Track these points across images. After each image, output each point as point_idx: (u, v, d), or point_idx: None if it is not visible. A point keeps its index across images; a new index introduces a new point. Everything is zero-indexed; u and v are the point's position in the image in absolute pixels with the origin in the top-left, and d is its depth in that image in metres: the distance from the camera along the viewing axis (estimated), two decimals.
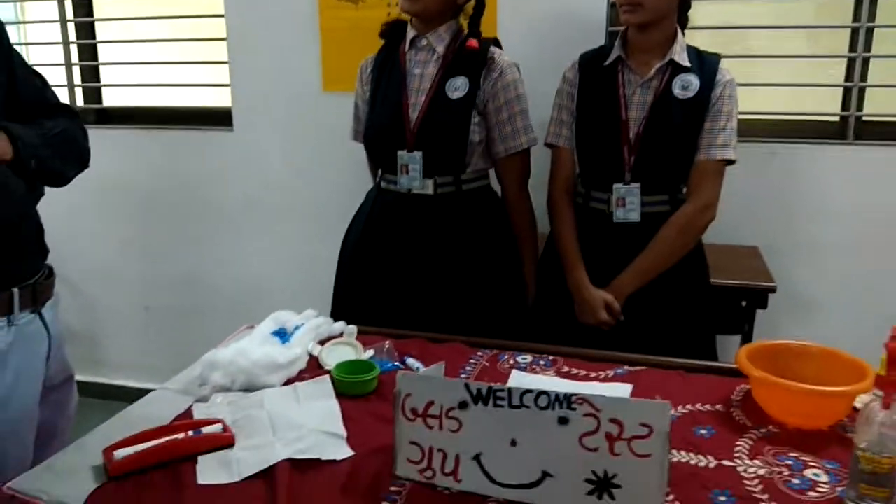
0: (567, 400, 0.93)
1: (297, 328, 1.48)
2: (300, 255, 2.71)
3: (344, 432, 1.12)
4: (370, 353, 1.41)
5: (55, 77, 2.96)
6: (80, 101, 2.88)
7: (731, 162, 1.65)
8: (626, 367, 1.39)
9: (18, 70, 1.25)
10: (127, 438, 1.07)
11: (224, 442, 1.08)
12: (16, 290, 1.23)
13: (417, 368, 1.34)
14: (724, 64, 1.66)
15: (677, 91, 1.62)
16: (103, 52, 2.87)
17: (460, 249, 1.74)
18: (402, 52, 1.78)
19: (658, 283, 1.66)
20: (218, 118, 2.70)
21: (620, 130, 1.65)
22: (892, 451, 0.94)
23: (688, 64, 1.63)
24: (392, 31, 1.83)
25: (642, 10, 1.57)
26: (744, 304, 2.01)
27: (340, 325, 1.53)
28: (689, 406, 1.25)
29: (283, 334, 1.47)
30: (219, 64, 2.64)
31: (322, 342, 1.46)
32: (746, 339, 2.02)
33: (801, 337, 1.36)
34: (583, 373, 1.38)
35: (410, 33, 1.77)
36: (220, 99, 2.71)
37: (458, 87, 1.70)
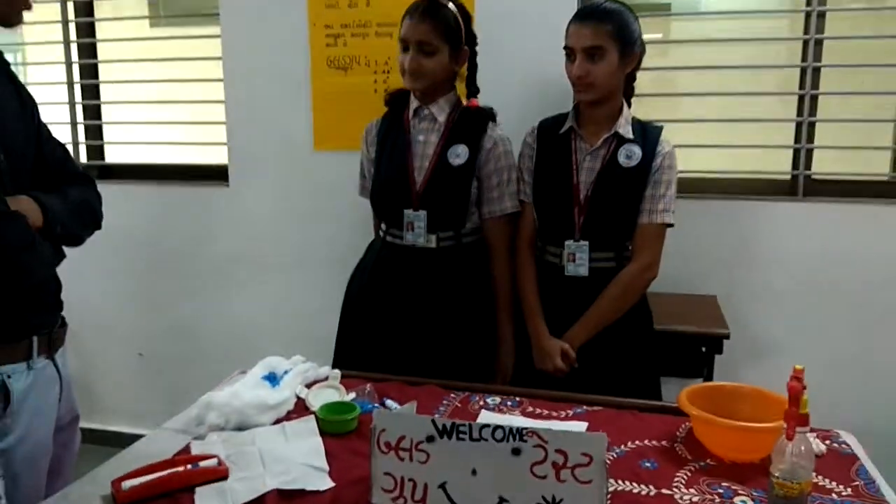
0: (519, 433, 1.07)
1: (286, 372, 1.62)
2: (290, 305, 2.83)
3: (326, 466, 1.26)
4: (352, 395, 1.55)
5: (61, 134, 3.15)
6: (83, 158, 3.05)
7: (670, 225, 1.84)
8: (584, 407, 1.54)
9: (46, 144, 1.41)
10: (133, 471, 1.20)
11: (219, 474, 1.21)
12: (35, 339, 1.36)
13: (394, 408, 1.48)
14: (666, 135, 1.85)
15: (622, 160, 1.81)
16: (107, 112, 3.06)
17: (459, 297, 1.91)
18: (407, 119, 1.95)
19: (607, 331, 1.82)
20: (215, 174, 2.87)
21: (572, 193, 1.83)
22: (801, 477, 1.09)
23: (631, 136, 1.81)
24: (396, 100, 2.00)
25: (593, 90, 1.77)
26: (703, 349, 2.16)
27: (326, 369, 1.67)
28: (637, 441, 1.39)
29: (272, 378, 1.61)
30: (217, 124, 2.82)
31: (309, 385, 1.60)
32: (707, 381, 2.17)
33: (756, 378, 1.51)
34: (545, 412, 1.52)
35: (413, 103, 1.94)
36: (217, 157, 2.89)
37: (459, 155, 1.88)
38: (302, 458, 1.27)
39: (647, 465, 1.31)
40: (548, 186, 1.88)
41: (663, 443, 1.39)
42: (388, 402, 1.53)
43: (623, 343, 1.84)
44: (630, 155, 1.80)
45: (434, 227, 1.89)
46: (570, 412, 1.52)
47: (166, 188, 2.92)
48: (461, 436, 1.09)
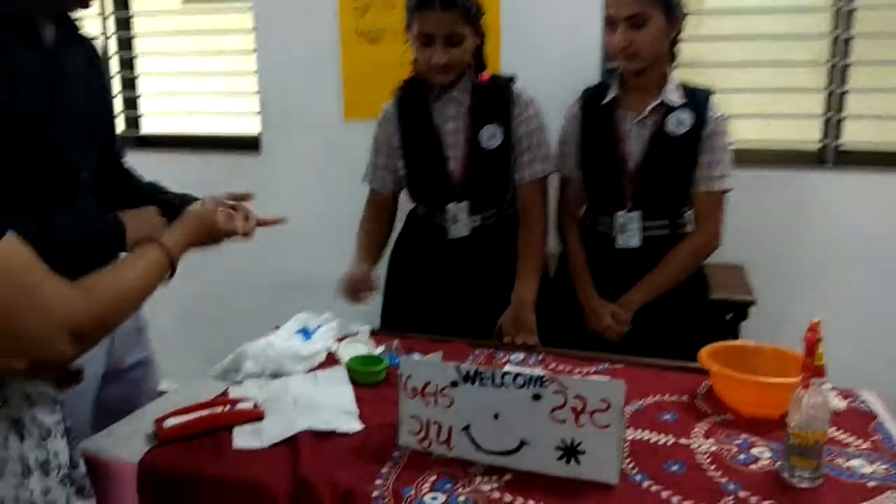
0: (539, 380, 1.12)
1: (318, 328, 1.68)
2: (319, 272, 2.87)
3: (356, 410, 1.32)
4: (381, 349, 1.61)
5: None
6: (120, 127, 3.14)
7: (729, 190, 1.82)
8: (606, 364, 1.58)
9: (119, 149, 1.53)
10: (175, 411, 1.27)
11: (255, 416, 1.28)
12: None
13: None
14: (715, 98, 1.79)
15: (671, 128, 1.77)
16: (142, 84, 3.14)
17: (501, 265, 1.86)
18: (427, 107, 1.85)
19: (663, 298, 1.82)
20: (247, 144, 2.94)
21: (620, 164, 1.80)
22: (816, 427, 1.12)
23: (679, 103, 1.76)
24: (409, 89, 1.90)
25: (638, 59, 1.72)
26: (729, 316, 2.18)
27: (356, 325, 1.73)
28: (657, 396, 1.43)
29: (305, 332, 1.67)
30: (249, 95, 2.89)
31: (339, 340, 1.66)
32: None
33: (779, 345, 1.52)
34: (568, 368, 1.56)
35: (435, 90, 1.83)
36: (249, 128, 2.95)
37: (492, 136, 1.80)
38: (333, 402, 1.33)
39: (667, 417, 1.35)
40: (595, 158, 1.86)
41: (683, 398, 1.43)
42: (415, 355, 1.58)
43: (679, 310, 1.83)
44: (680, 122, 1.77)
45: (477, 210, 1.86)
46: (592, 369, 1.56)
47: (199, 157, 3.00)
48: (483, 381, 1.14)
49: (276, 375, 1.46)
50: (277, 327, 1.75)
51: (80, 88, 1.29)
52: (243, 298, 3.07)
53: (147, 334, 1.62)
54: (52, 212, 1.22)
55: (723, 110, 1.81)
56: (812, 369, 1.10)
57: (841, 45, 2.32)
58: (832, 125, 2.37)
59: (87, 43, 1.37)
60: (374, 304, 2.12)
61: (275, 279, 3.00)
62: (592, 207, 1.91)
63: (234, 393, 1.38)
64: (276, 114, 2.85)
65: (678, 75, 1.85)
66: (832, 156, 2.38)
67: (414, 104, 1.88)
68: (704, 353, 1.43)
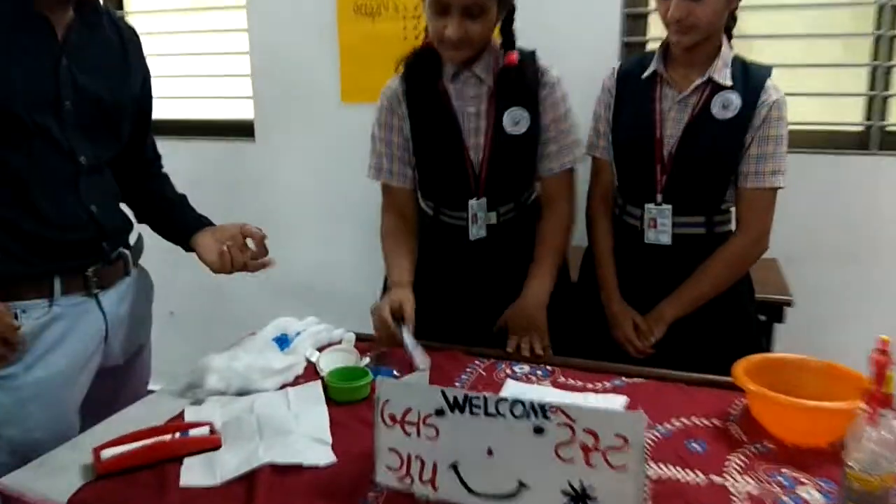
0: (542, 409, 0.92)
1: (297, 334, 1.50)
2: (320, 263, 2.75)
3: (329, 438, 1.13)
4: (366, 360, 1.42)
5: None
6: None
7: (780, 188, 1.57)
8: (623, 379, 1.37)
9: (145, 125, 1.52)
10: (116, 439, 1.09)
11: (210, 444, 1.10)
12: (57, 279, 1.30)
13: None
14: (774, 79, 1.55)
15: (716, 110, 1.54)
16: None
17: (520, 265, 1.62)
18: (443, 87, 1.57)
19: (703, 307, 1.61)
20: (241, 130, 2.76)
21: (654, 148, 1.58)
22: (883, 469, 0.91)
23: (729, 82, 1.53)
24: (421, 62, 1.59)
25: (695, 32, 1.50)
26: (762, 318, 1.96)
27: (340, 331, 1.54)
28: (683, 419, 1.22)
29: (283, 340, 1.49)
30: (241, 77, 2.70)
31: (321, 349, 1.47)
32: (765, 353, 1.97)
33: (821, 352, 1.31)
34: (579, 384, 1.36)
35: (450, 67, 1.56)
36: (242, 111, 2.77)
37: (517, 121, 1.55)
38: (303, 428, 1.14)
39: (695, 446, 1.14)
40: (626, 140, 1.64)
41: (714, 421, 1.22)
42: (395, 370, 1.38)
43: (720, 321, 1.62)
44: (727, 104, 1.54)
45: (494, 206, 1.61)
46: (608, 384, 1.35)
47: (192, 144, 2.82)
48: (475, 410, 0.95)
49: (242, 392, 1.28)
50: (254, 333, 1.56)
51: (90, 74, 1.29)
52: (237, 294, 2.90)
53: (149, 319, 1.59)
54: (39, 194, 1.25)
55: (781, 94, 1.55)
56: (880, 398, 0.89)
57: (888, 14, 2.07)
58: (877, 104, 2.13)
59: (113, 27, 1.37)
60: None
61: (270, 273, 2.82)
62: (622, 196, 1.69)
63: (190, 415, 1.20)
64: (269, 97, 2.68)
65: (732, 50, 1.60)
66: (877, 138, 2.14)
67: (426, 82, 1.58)
68: (740, 368, 1.22)
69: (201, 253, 1.48)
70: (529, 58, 1.58)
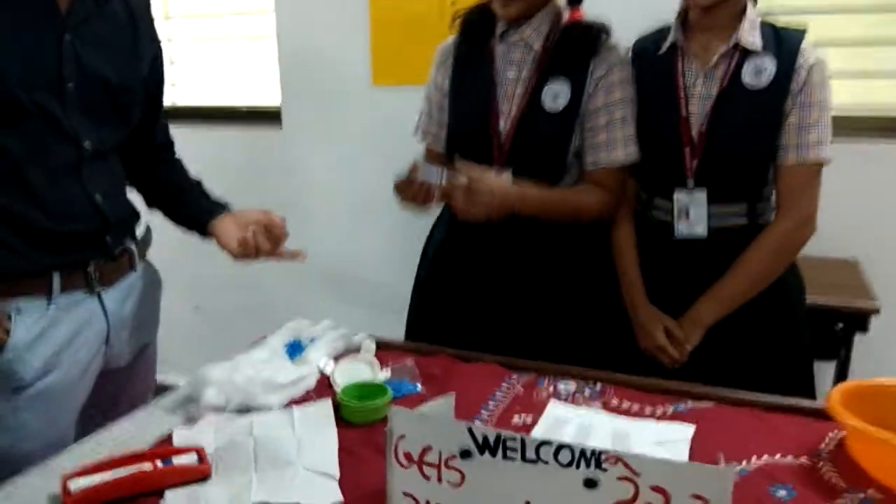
0: (596, 458, 0.72)
1: (311, 341, 1.33)
2: (349, 257, 2.60)
3: (336, 471, 0.95)
4: (387, 373, 1.24)
5: None
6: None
7: (825, 162, 1.37)
8: (689, 403, 1.16)
9: (157, 106, 1.38)
10: (89, 467, 0.93)
11: (197, 475, 0.93)
12: (56, 275, 1.19)
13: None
14: (810, 41, 1.36)
15: (748, 79, 1.34)
16: None
17: (556, 267, 1.48)
18: (492, 46, 1.47)
19: (745, 306, 1.39)
20: (267, 117, 2.62)
21: (680, 129, 1.39)
22: None
23: (759, 46, 1.35)
24: (477, 20, 1.49)
25: None
26: (839, 326, 1.72)
27: (361, 337, 1.37)
28: (765, 457, 1.01)
29: (296, 347, 1.32)
30: (270, 61, 2.55)
31: (337, 358, 1.30)
32: (843, 367, 1.73)
33: None
34: (635, 407, 1.15)
35: (501, 25, 1.46)
36: (268, 98, 2.62)
37: (557, 95, 1.41)
38: (307, 458, 0.97)
39: (782, 493, 0.93)
40: (649, 123, 1.44)
41: (802, 460, 1.00)
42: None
43: (766, 322, 1.40)
44: (759, 70, 1.34)
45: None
46: (670, 409, 1.14)
47: (216, 131, 2.69)
48: (510, 454, 0.75)
49: (243, 409, 1.11)
50: (264, 337, 1.40)
51: (96, 51, 1.17)
52: (263, 287, 2.77)
53: (156, 317, 1.48)
54: (38, 181, 1.14)
55: (818, 56, 1.34)
56: None
57: None
58: None
59: (122, 5, 1.25)
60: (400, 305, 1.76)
61: (298, 266, 2.68)
62: (646, 187, 1.49)
63: (178, 438, 1.03)
64: (297, 81, 2.53)
65: (757, 13, 1.40)
66: None
67: (476, 41, 1.49)
68: (835, 396, 1.00)
69: (221, 239, 1.34)
70: (597, 29, 1.42)
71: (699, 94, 1.39)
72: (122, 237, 1.32)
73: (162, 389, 1.29)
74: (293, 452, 0.97)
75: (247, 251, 1.31)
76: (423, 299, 1.65)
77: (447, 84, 1.53)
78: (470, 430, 0.77)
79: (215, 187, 2.83)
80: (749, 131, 1.36)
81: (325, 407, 1.09)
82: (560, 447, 0.73)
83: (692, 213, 1.40)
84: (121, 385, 1.37)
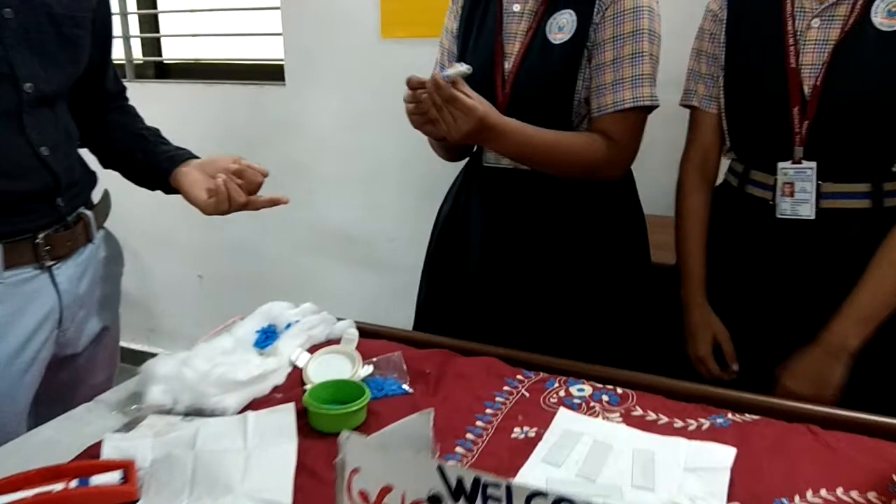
0: None
1: (288, 326, 1.15)
2: (355, 224, 2.42)
3: (288, 499, 0.77)
4: (368, 368, 1.05)
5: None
6: (136, 53, 2.68)
7: None
8: (729, 416, 0.95)
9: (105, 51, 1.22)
10: None
11: (119, 499, 0.76)
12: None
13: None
14: None
15: (880, 18, 1.07)
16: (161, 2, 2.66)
17: (574, 239, 1.28)
18: None
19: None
20: (270, 73, 2.43)
21: (787, 84, 1.14)
22: None
23: None
24: None
25: None
26: None
27: (344, 324, 1.18)
28: (823, 492, 0.80)
29: (269, 334, 1.14)
30: (271, 10, 2.34)
31: (313, 349, 1.12)
32: None
33: None
34: (663, 419, 0.95)
35: None
36: (271, 50, 2.42)
37: (562, 27, 1.23)
38: (252, 481, 0.79)
39: None
40: (747, 78, 1.20)
41: (870, 497, 0.80)
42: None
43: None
44: (894, 10, 1.08)
45: None
46: (706, 422, 0.94)
47: (215, 88, 2.51)
48: (492, 503, 0.56)
49: (192, 412, 0.94)
50: (242, 317, 1.23)
51: None
52: (268, 254, 2.62)
53: (117, 296, 1.31)
54: None
55: None
56: None
57: None
58: None
59: None
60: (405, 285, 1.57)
61: (304, 229, 2.52)
62: (743, 157, 1.24)
63: (109, 447, 0.86)
64: (300, 34, 2.32)
65: None
66: None
67: None
68: None
69: (188, 190, 1.16)
70: None
71: (814, 39, 1.13)
72: (76, 202, 1.16)
73: None
74: (237, 475, 0.79)
75: (219, 202, 1.11)
76: (431, 278, 1.47)
77: (456, 27, 1.38)
78: (441, 470, 0.58)
79: (214, 148, 2.65)
80: (879, 87, 1.08)
81: (287, 414, 0.91)
82: (559, 502, 0.54)
83: (798, 190, 1.15)
84: (77, 374, 1.22)
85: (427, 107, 1.11)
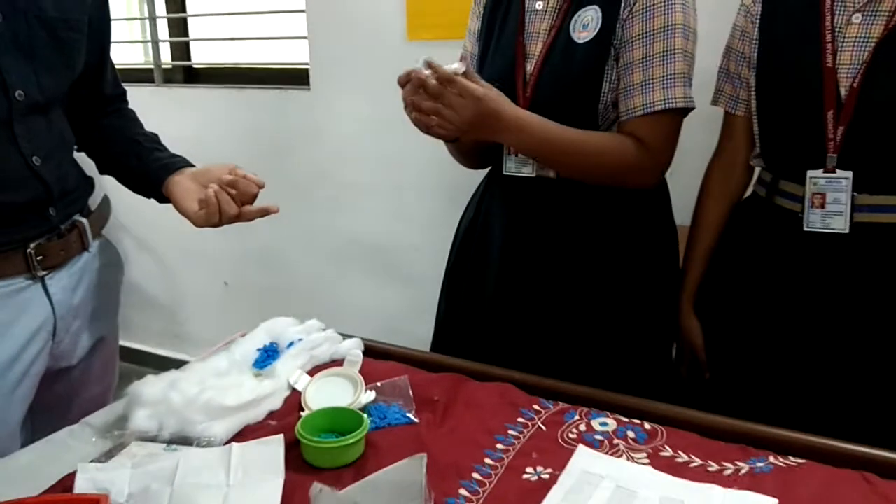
0: None
1: (291, 345, 1.08)
2: (380, 232, 2.35)
3: None
4: (370, 395, 0.97)
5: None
6: (165, 57, 2.67)
7: None
8: (771, 459, 0.85)
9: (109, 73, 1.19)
10: None
11: None
12: None
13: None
14: None
15: None
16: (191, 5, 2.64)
17: (599, 253, 1.19)
18: None
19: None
20: (295, 78, 2.38)
21: (823, 84, 1.04)
22: None
23: None
24: None
25: None
26: None
27: (351, 344, 1.11)
28: None
29: (270, 353, 1.08)
30: (296, 12, 2.30)
31: (316, 370, 1.04)
32: None
33: None
34: (695, 461, 0.85)
35: None
36: (295, 55, 2.38)
37: (586, 24, 1.14)
38: None
39: None
40: (778, 77, 1.10)
41: None
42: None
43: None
44: None
45: None
46: (745, 466, 0.83)
47: (238, 93, 2.48)
48: None
49: (177, 441, 0.87)
50: (244, 334, 1.16)
51: None
52: (293, 262, 2.58)
53: (115, 305, 1.26)
54: None
55: None
56: None
57: None
58: None
59: None
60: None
61: (327, 238, 2.47)
62: (772, 167, 1.14)
63: (84, 478, 0.79)
64: (326, 37, 2.27)
65: None
66: None
67: None
68: None
69: (179, 200, 1.11)
70: None
71: (854, 35, 1.03)
72: (71, 210, 1.11)
73: None
74: None
75: (209, 214, 1.05)
76: (450, 293, 1.39)
77: (478, 28, 1.30)
78: None
79: (240, 153, 2.62)
80: None
81: (275, 446, 0.83)
82: None
83: (829, 201, 1.05)
84: (73, 387, 1.17)
85: (419, 98, 1.02)
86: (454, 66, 1.02)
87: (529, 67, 1.18)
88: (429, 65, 1.02)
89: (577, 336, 1.18)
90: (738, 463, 0.84)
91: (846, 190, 1.03)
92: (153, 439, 0.88)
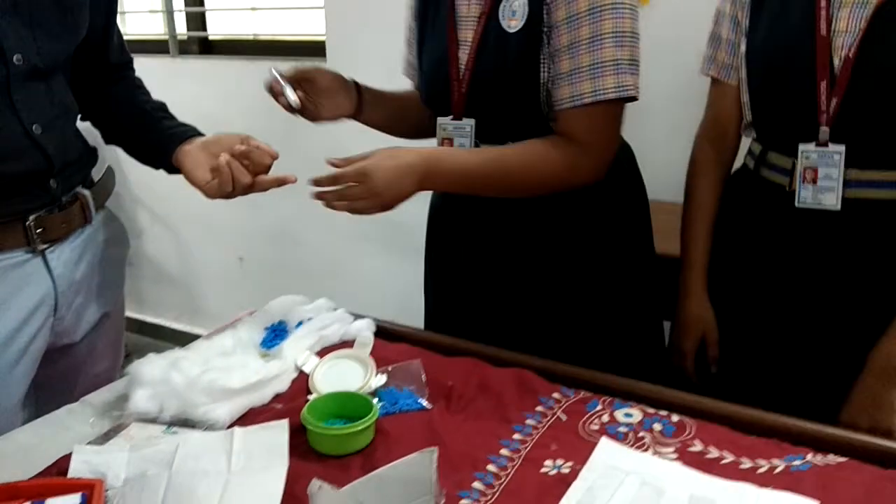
0: None
1: (300, 325, 1.03)
2: (398, 208, 2.30)
3: None
4: (383, 378, 0.92)
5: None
6: (181, 28, 2.62)
7: None
8: (809, 457, 0.79)
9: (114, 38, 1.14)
10: None
11: None
12: None
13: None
14: None
15: None
16: None
17: (568, 234, 1.10)
18: None
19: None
20: (310, 50, 2.33)
21: (815, 53, 0.98)
22: None
23: None
24: None
25: None
26: None
27: (363, 324, 1.06)
28: None
29: (278, 332, 1.03)
30: None
31: (325, 351, 1.00)
32: None
33: None
34: (728, 458, 0.79)
35: None
36: (311, 26, 2.32)
37: (515, 11, 1.03)
38: None
39: None
40: (770, 43, 1.04)
41: None
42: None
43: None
44: None
45: (487, 137, 1.09)
46: (780, 464, 0.77)
47: (250, 64, 2.43)
48: None
49: (178, 423, 0.83)
50: (252, 312, 1.12)
51: None
52: (308, 239, 2.56)
53: (120, 280, 1.22)
54: None
55: None
56: None
57: None
58: None
59: None
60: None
61: (346, 218, 2.42)
62: (762, 138, 1.10)
63: (79, 461, 0.76)
64: (343, 9, 2.20)
65: None
66: None
67: None
68: None
69: (190, 171, 1.06)
70: None
71: (850, 2, 0.97)
72: (73, 181, 1.07)
73: None
74: (212, 503, 0.68)
75: (222, 183, 1.00)
76: (430, 279, 1.33)
77: (414, 3, 1.20)
78: None
79: (253, 127, 2.56)
80: None
81: (279, 432, 0.79)
82: None
83: (822, 176, 1.00)
84: (77, 364, 1.14)
85: (330, 201, 1.00)
86: (291, 97, 1.06)
87: (463, 57, 1.08)
88: (278, 77, 1.06)
89: (548, 313, 1.11)
90: (773, 460, 0.78)
91: (838, 165, 0.98)
92: (153, 421, 0.84)
